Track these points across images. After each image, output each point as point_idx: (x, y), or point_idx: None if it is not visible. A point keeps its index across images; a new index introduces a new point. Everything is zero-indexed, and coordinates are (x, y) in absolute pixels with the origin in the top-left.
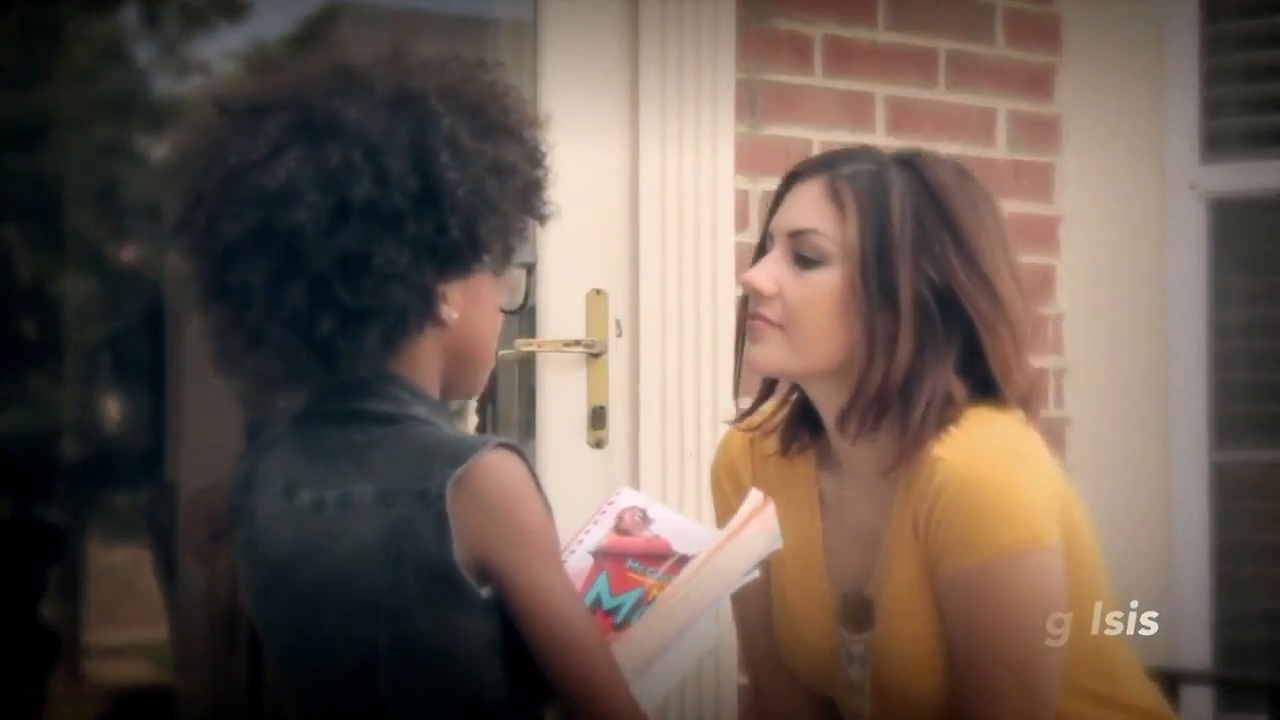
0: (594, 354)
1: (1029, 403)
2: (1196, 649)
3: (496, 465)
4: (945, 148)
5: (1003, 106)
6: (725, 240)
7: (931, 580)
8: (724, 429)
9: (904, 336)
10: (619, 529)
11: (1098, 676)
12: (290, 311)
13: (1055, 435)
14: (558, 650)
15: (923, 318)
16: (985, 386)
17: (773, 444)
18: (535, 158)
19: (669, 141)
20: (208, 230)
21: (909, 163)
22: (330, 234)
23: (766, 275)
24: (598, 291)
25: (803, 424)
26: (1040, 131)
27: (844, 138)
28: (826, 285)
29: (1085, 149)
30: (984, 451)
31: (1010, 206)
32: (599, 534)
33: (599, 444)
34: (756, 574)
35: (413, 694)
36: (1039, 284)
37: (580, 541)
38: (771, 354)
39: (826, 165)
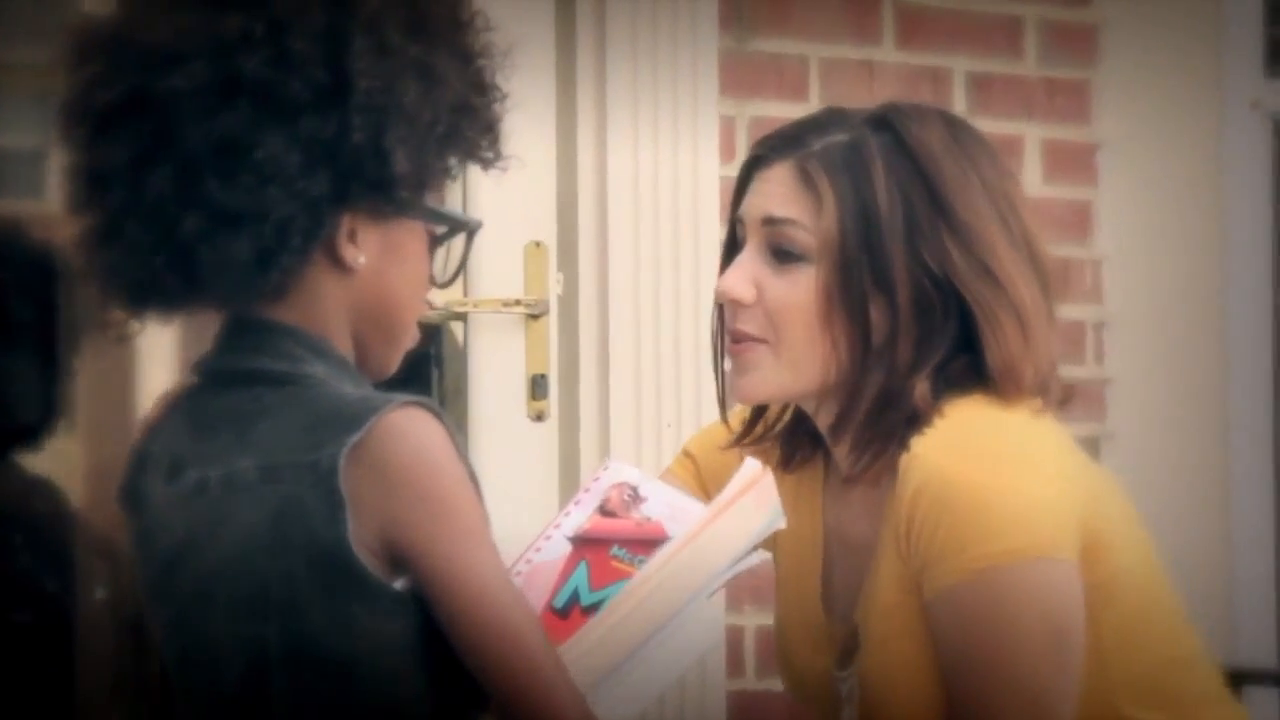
0: (534, 315)
1: (1046, 397)
2: (1259, 645)
3: (403, 427)
4: (964, 63)
5: (1031, 13)
6: (708, 176)
7: (918, 599)
8: (707, 397)
9: (903, 337)
10: (604, 510)
11: (1160, 710)
12: (152, 200)
13: (1094, 398)
14: (489, 647)
15: (923, 312)
16: (982, 379)
17: (773, 455)
18: (476, 82)
19: (641, 62)
20: (82, 99)
21: (886, 124)
22: (210, 113)
23: (742, 279)
24: (537, 244)
25: (802, 432)
26: (1075, 42)
27: (845, 53)
28: (809, 285)
29: (1128, 62)
30: (970, 446)
31: (1041, 131)
32: (580, 516)
33: (539, 416)
34: (755, 559)
35: (310, 706)
36: (1075, 220)
37: (557, 525)
38: (761, 379)
39: (792, 143)
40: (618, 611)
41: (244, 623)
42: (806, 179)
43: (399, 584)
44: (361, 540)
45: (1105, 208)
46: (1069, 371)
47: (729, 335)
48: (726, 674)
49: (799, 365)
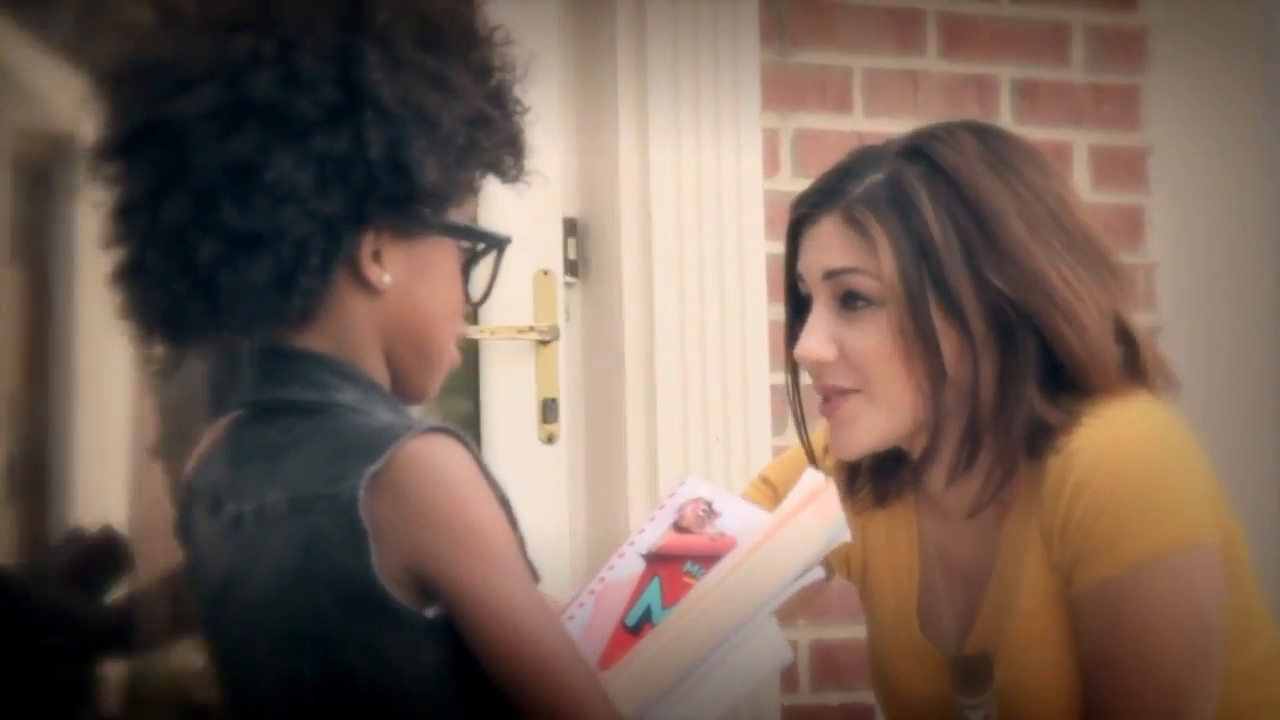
0: (544, 341)
1: (1161, 384)
2: None
3: (424, 454)
4: (1010, 71)
5: (1077, 18)
6: (752, 190)
7: (1064, 601)
8: (755, 410)
9: (984, 362)
10: (679, 526)
11: (1260, 709)
12: (170, 228)
13: None
14: (522, 673)
15: (1000, 331)
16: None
17: (868, 495)
18: (494, 95)
19: (682, 77)
20: (104, 135)
21: (919, 152)
22: (221, 137)
23: (819, 339)
24: (545, 272)
25: (891, 468)
26: (1123, 47)
27: (888, 64)
28: (883, 329)
29: (1177, 66)
30: (1127, 438)
31: (1090, 138)
32: (655, 533)
33: (550, 439)
34: (819, 574)
35: None
36: (1126, 226)
37: (632, 542)
38: (863, 431)
39: (831, 194)
40: (675, 626)
41: (282, 656)
42: (856, 226)
43: (430, 612)
44: (387, 571)
45: (1157, 213)
46: None
47: (820, 394)
48: (780, 689)
49: (895, 408)
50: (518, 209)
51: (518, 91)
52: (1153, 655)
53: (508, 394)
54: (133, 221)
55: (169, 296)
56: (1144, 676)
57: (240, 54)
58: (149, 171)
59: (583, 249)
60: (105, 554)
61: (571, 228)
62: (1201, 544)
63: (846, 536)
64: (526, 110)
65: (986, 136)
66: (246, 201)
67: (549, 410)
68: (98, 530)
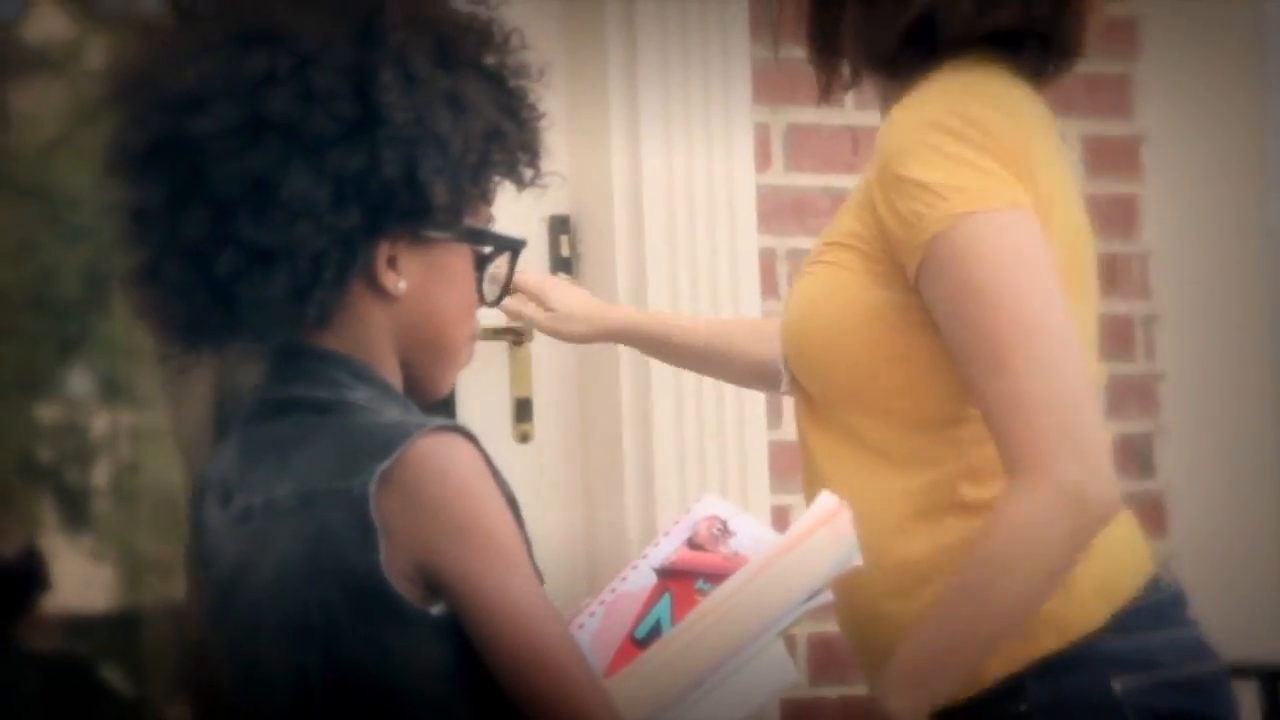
0: (518, 342)
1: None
2: None
3: (433, 452)
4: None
5: None
6: (744, 186)
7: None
8: (750, 406)
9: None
10: (693, 543)
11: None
12: (188, 241)
13: (1146, 393)
14: (525, 672)
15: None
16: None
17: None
18: (508, 105)
19: (673, 70)
20: (118, 141)
21: None
22: (238, 153)
23: None
24: None
25: None
26: (1114, 36)
27: None
28: None
29: (1168, 53)
30: (921, 116)
31: (1082, 127)
32: (669, 548)
33: (524, 438)
34: (828, 598)
35: None
36: (1120, 215)
37: (645, 555)
38: None
39: None
40: (679, 640)
41: (288, 649)
42: None
43: (436, 609)
44: (395, 567)
45: (1151, 202)
46: (1119, 368)
47: None
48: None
49: None
50: (496, 212)
51: (532, 98)
52: (972, 298)
53: (482, 394)
54: (149, 229)
55: (187, 306)
56: (970, 324)
57: (256, 71)
58: (166, 184)
59: (575, 246)
60: (25, 574)
61: (564, 225)
62: (993, 205)
63: (858, 560)
64: (541, 116)
65: None
66: (263, 216)
67: (523, 410)
68: (17, 551)
